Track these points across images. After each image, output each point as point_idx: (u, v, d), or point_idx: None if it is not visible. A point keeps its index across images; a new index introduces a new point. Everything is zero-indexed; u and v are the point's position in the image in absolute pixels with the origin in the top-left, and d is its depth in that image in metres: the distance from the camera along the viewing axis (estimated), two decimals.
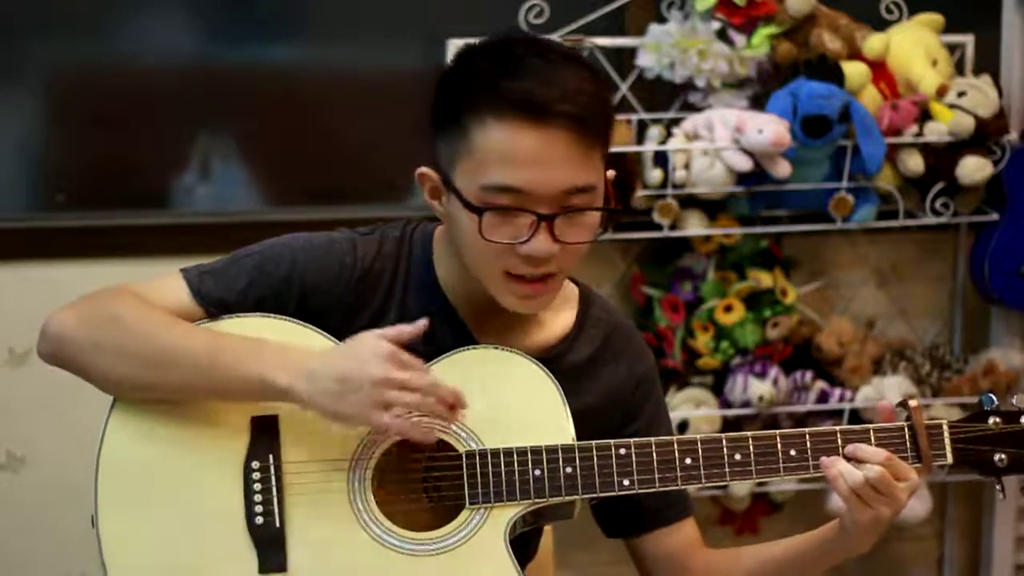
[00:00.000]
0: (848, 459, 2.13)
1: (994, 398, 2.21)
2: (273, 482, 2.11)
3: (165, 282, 2.19)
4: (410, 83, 3.55)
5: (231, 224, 3.62)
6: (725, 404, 3.68)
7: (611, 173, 2.14)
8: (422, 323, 2.09)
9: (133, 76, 3.60)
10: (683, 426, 3.61)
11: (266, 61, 3.67)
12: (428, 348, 2.16)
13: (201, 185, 3.66)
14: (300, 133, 3.68)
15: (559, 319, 2.27)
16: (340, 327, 2.16)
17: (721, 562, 2.30)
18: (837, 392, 3.71)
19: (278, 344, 2.09)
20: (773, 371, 3.66)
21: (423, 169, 2.15)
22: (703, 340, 3.65)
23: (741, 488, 3.68)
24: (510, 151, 2.03)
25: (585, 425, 2.18)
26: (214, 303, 2.16)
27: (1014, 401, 2.21)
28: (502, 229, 2.06)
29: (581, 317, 2.28)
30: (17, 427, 3.46)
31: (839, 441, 2.17)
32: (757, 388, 3.62)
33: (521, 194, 2.05)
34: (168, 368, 2.10)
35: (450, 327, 2.20)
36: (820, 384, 3.71)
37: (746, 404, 3.64)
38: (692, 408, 3.65)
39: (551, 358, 2.22)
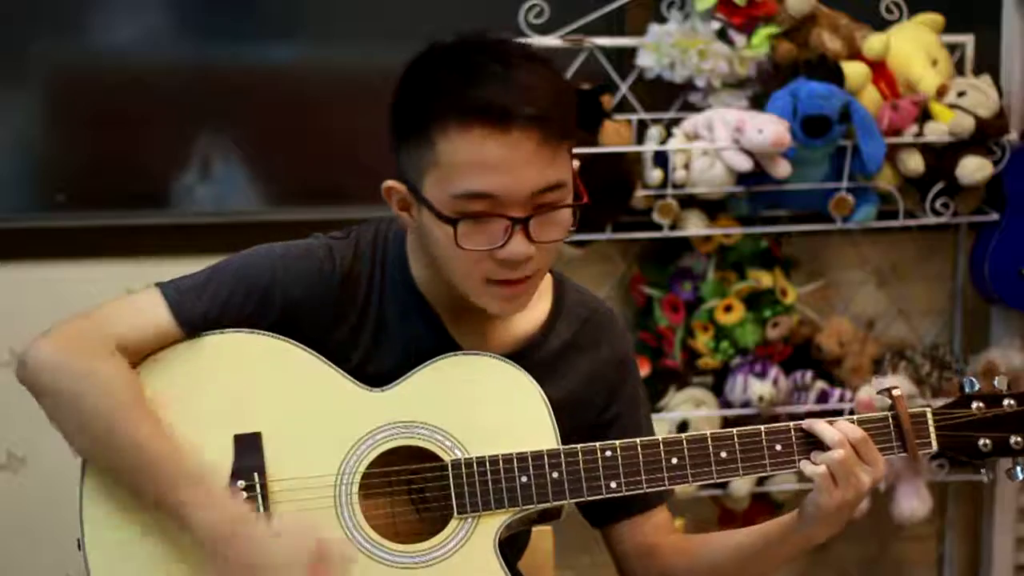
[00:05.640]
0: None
1: (975, 380, 2.20)
2: (259, 500, 2.10)
3: (144, 303, 2.16)
4: None
5: (231, 224, 3.62)
6: (725, 404, 3.68)
7: (576, 164, 2.13)
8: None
9: (133, 76, 3.59)
10: (683, 426, 3.61)
11: (266, 61, 3.67)
12: (406, 347, 2.17)
13: (201, 185, 3.65)
14: (300, 133, 3.67)
15: (535, 308, 2.26)
16: (321, 337, 2.17)
17: (689, 547, 2.31)
18: (837, 392, 3.71)
19: (218, 487, 2.06)
20: (773, 371, 3.65)
21: (389, 183, 2.12)
22: (703, 340, 3.65)
23: (741, 488, 3.68)
24: (477, 159, 2.02)
25: (568, 412, 2.19)
26: (197, 319, 2.14)
27: (995, 383, 2.20)
28: (477, 237, 2.05)
29: (557, 304, 2.28)
30: (17, 427, 3.44)
31: None
32: (757, 388, 3.62)
33: (493, 199, 2.03)
34: (109, 452, 2.07)
35: (427, 326, 2.20)
36: (820, 384, 3.71)
37: (746, 404, 3.64)
38: (692, 408, 3.65)
39: (530, 347, 2.23)
